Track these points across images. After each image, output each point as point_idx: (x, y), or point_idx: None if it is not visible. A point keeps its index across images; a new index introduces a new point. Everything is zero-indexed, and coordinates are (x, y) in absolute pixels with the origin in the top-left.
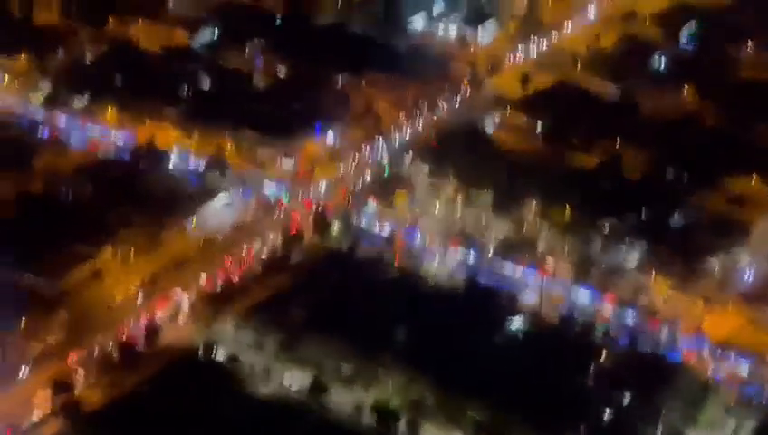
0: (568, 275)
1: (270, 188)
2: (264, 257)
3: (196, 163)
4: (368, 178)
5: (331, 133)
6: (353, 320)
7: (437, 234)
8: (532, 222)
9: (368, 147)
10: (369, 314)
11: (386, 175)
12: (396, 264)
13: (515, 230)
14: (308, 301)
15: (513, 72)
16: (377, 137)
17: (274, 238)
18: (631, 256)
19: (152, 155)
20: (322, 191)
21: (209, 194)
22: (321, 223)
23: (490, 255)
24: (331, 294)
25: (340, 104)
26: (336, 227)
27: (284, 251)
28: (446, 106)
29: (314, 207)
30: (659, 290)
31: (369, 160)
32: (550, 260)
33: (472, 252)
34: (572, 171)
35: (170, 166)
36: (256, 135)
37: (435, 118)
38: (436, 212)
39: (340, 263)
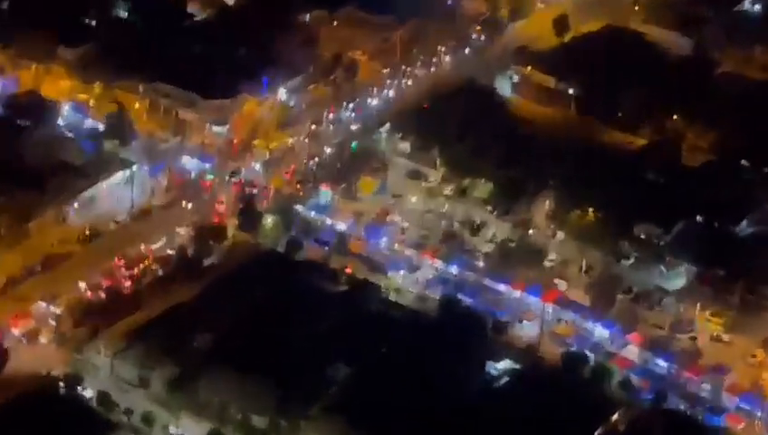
0: (583, 301)
1: (191, 163)
2: (168, 258)
3: (93, 125)
4: (326, 156)
5: (283, 91)
6: (277, 352)
7: (412, 235)
8: (542, 225)
9: (331, 112)
10: (301, 344)
11: (352, 152)
12: (348, 273)
13: (518, 235)
14: (218, 322)
15: (546, 13)
16: (346, 99)
17: (186, 233)
18: (673, 279)
19: (33, 110)
20: (261, 171)
21: (105, 168)
22: (250, 214)
23: (480, 266)
24: (252, 313)
25: (300, 51)
26: (270, 220)
27: (197, 250)
28: (447, 58)
29: (244, 191)
30: (706, 328)
31: (332, 131)
32: (560, 279)
33: (455, 263)
34: (608, 155)
35: (57, 126)
36: (180, 90)
37: (431, 74)
38: (412, 206)
39: (271, 269)
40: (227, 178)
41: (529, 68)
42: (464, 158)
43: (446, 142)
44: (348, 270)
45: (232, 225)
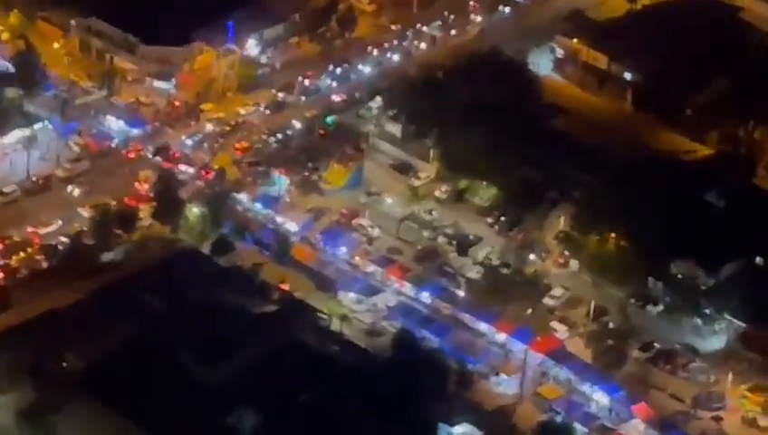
0: (583, 355)
1: (115, 126)
2: (58, 246)
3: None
4: (292, 133)
5: (253, 42)
6: (167, 387)
7: (380, 247)
8: (552, 248)
9: (307, 77)
10: (199, 380)
11: (326, 129)
12: (282, 290)
13: (516, 258)
14: (98, 339)
15: None
16: (335, 61)
17: (89, 217)
18: (708, 338)
19: None
20: (204, 145)
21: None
22: (170, 200)
23: (460, 297)
24: (145, 332)
25: None
26: (196, 210)
27: (96, 241)
28: (479, 18)
29: (173, 169)
30: (739, 406)
31: (305, 101)
32: (561, 323)
33: (429, 288)
34: (660, 165)
35: None
36: (117, 30)
37: (451, 37)
38: (389, 208)
39: (184, 276)
40: (154, 150)
41: (575, 41)
42: (466, 150)
43: (448, 129)
44: (283, 285)
45: (148, 212)
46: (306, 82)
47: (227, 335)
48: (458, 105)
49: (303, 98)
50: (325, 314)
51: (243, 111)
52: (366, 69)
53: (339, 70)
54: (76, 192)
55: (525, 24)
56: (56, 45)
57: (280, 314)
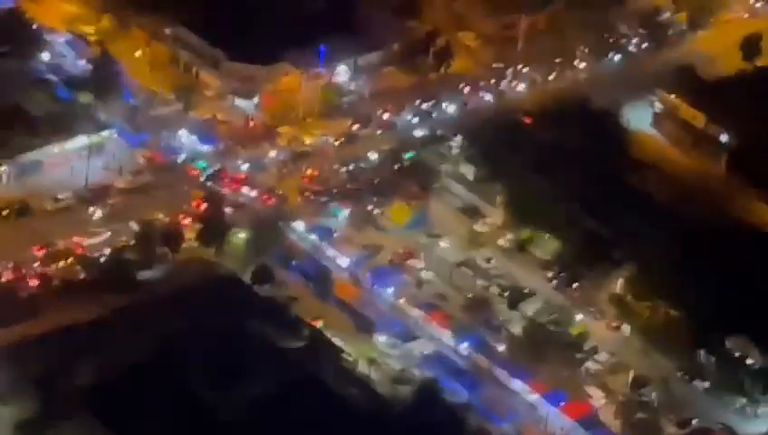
0: (612, 425)
1: (186, 141)
2: (99, 258)
3: (84, 68)
4: (362, 164)
5: (344, 68)
6: (171, 416)
7: (428, 292)
8: (606, 310)
9: (386, 111)
10: (209, 414)
11: (403, 162)
12: (313, 325)
13: (565, 316)
14: (115, 357)
15: (735, 27)
16: (427, 94)
17: (132, 231)
18: (753, 421)
19: (9, 33)
20: (270, 166)
21: (68, 126)
22: (215, 223)
23: (498, 350)
24: (162, 356)
25: (386, 17)
26: (240, 236)
27: (137, 257)
28: (581, 64)
29: (222, 190)
30: None
31: (381, 134)
32: (596, 388)
33: (469, 339)
34: (743, 234)
35: (35, 61)
36: (205, 43)
37: (549, 82)
38: (446, 253)
39: (217, 303)
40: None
41: (674, 96)
42: (534, 199)
43: (520, 175)
44: (315, 322)
45: (189, 231)
46: (387, 114)
47: (244, 366)
48: (536, 151)
49: (381, 130)
50: (351, 355)
51: (319, 138)
52: (451, 106)
53: (425, 105)
54: (97, 214)
55: (631, 75)
56: (138, 54)
57: (304, 350)
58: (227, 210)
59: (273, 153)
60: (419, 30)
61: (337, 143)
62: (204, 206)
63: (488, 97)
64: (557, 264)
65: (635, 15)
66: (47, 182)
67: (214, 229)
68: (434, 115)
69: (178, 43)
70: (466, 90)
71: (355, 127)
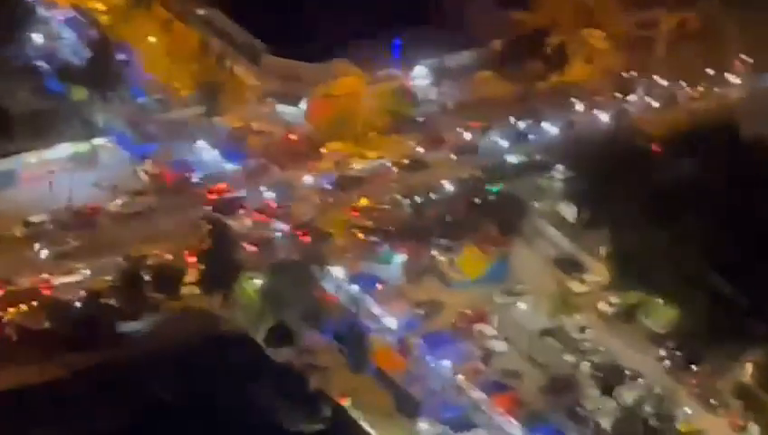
0: None
1: (206, 155)
2: (71, 303)
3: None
4: (433, 196)
5: (423, 70)
6: None
7: (497, 367)
8: (729, 401)
9: (478, 127)
10: None
11: (488, 195)
12: (340, 402)
13: (672, 406)
14: (78, 427)
15: None
16: (528, 109)
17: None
18: None
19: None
20: (314, 196)
21: (57, 129)
22: (224, 263)
23: None
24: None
25: (485, 7)
26: (257, 281)
27: (119, 304)
28: (736, 80)
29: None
30: None
31: (464, 157)
32: None
33: (541, 430)
34: None
35: (24, 43)
36: (245, 32)
37: (694, 99)
38: (528, 318)
39: (220, 364)
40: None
41: None
42: (648, 252)
43: (632, 220)
44: (343, 400)
45: (194, 271)
46: (469, 133)
47: None
48: (660, 191)
49: (458, 154)
50: None
51: (378, 160)
52: (555, 127)
53: (521, 123)
54: (43, 253)
55: None
56: (153, 40)
57: None
58: (249, 248)
59: (314, 177)
60: (528, 25)
61: (398, 168)
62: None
63: (605, 116)
64: (672, 339)
65: None
66: (20, 200)
67: (219, 272)
68: (531, 137)
69: (210, 29)
70: (579, 106)
71: (423, 148)
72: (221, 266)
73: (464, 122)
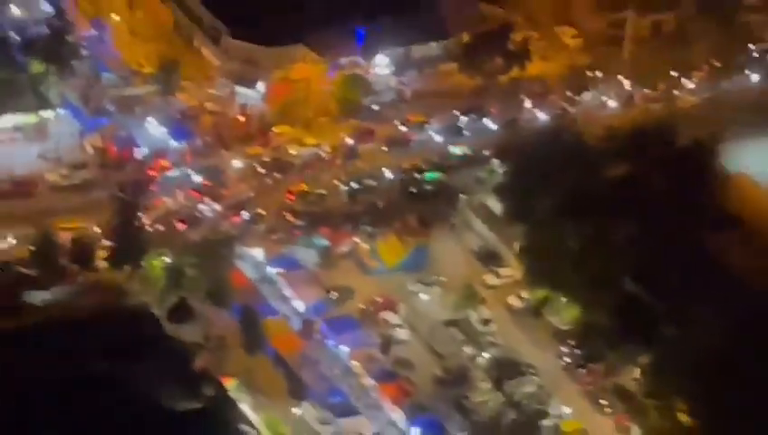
0: None
1: (155, 131)
2: None
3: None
4: (371, 183)
5: (385, 60)
6: None
7: (394, 352)
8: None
9: (411, 120)
10: None
11: (422, 184)
12: (223, 381)
13: (559, 409)
14: None
15: None
16: (482, 104)
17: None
18: None
19: None
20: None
21: (8, 97)
22: (129, 239)
23: None
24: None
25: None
26: (160, 261)
27: (34, 273)
28: (690, 84)
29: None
30: None
31: (403, 146)
32: None
33: (421, 423)
34: None
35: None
36: (208, 13)
37: (650, 100)
38: (431, 303)
39: (111, 336)
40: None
41: None
42: (559, 250)
43: (548, 217)
44: (227, 380)
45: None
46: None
47: (107, 427)
48: (584, 190)
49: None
50: (255, 428)
51: (323, 145)
52: (495, 123)
53: (464, 118)
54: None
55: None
56: (116, 17)
57: (195, 416)
58: (179, 225)
59: (255, 159)
60: (499, 20)
61: (330, 154)
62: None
63: (546, 114)
64: (574, 337)
65: None
66: None
67: (125, 248)
68: (465, 133)
69: (181, 9)
70: (527, 103)
71: (353, 139)
72: (127, 242)
73: (404, 115)
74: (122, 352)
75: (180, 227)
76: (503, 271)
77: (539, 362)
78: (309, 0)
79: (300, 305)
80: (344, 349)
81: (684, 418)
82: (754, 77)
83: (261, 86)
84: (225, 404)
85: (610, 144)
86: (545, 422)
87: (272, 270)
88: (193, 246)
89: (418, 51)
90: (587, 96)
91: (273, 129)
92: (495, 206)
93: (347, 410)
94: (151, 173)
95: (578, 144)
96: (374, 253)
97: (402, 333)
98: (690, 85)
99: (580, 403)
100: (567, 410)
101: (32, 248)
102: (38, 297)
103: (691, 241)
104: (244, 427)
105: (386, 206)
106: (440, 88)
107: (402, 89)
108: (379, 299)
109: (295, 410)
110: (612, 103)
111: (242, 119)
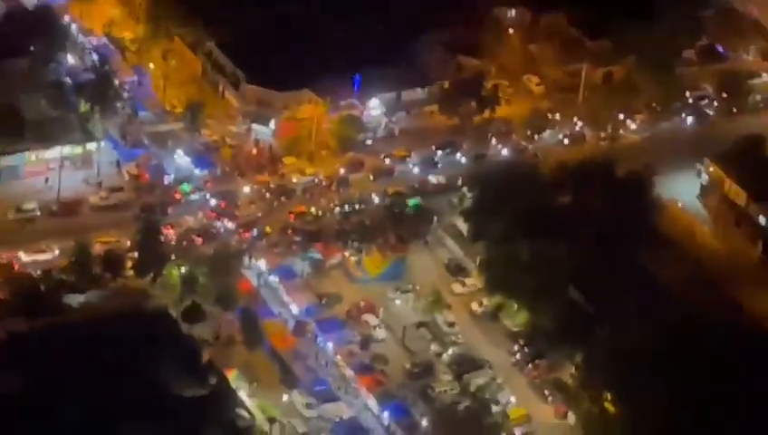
0: None
1: (181, 161)
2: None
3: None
4: (362, 206)
5: (377, 103)
6: None
7: (373, 348)
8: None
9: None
10: None
11: (406, 209)
12: (225, 373)
13: (507, 397)
14: None
15: None
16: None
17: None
18: None
19: (35, 25)
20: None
21: (59, 133)
22: (152, 251)
23: (421, 424)
24: (34, 391)
25: (438, 54)
26: (176, 270)
27: (68, 278)
28: (633, 126)
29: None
30: None
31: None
32: None
33: (392, 408)
34: (736, 337)
35: (57, 61)
36: (229, 61)
37: (599, 139)
38: (405, 308)
39: (132, 334)
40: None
41: (711, 168)
42: (512, 263)
43: (504, 235)
44: (229, 371)
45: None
46: (389, 159)
47: (124, 410)
48: (535, 213)
49: (375, 175)
50: (251, 412)
51: (320, 175)
52: (466, 157)
53: (439, 152)
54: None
55: (697, 140)
56: (152, 66)
57: (201, 401)
58: (197, 240)
59: (264, 186)
60: (474, 69)
61: (326, 181)
62: (172, 233)
63: (508, 150)
64: (524, 337)
65: (721, 76)
66: (20, 190)
67: (148, 260)
68: (439, 165)
69: (208, 59)
70: (494, 140)
71: (345, 169)
72: (149, 255)
73: (390, 150)
74: (144, 345)
75: (197, 241)
76: (468, 281)
77: (493, 359)
78: (313, 52)
79: (294, 309)
80: (330, 345)
81: (611, 406)
82: (689, 119)
83: (272, 124)
84: (226, 391)
85: (560, 175)
86: (496, 408)
87: (272, 278)
88: (205, 258)
89: (406, 95)
90: (546, 135)
91: (283, 160)
92: (463, 226)
93: (329, 397)
94: (177, 196)
95: (532, 175)
96: (359, 264)
97: (380, 333)
98: (633, 126)
99: (527, 393)
100: (514, 398)
101: (71, 259)
102: (75, 300)
103: (625, 257)
104: (240, 411)
105: (371, 225)
106: (423, 126)
107: (392, 127)
108: (362, 303)
109: (285, 397)
110: (566, 141)
111: (255, 151)
